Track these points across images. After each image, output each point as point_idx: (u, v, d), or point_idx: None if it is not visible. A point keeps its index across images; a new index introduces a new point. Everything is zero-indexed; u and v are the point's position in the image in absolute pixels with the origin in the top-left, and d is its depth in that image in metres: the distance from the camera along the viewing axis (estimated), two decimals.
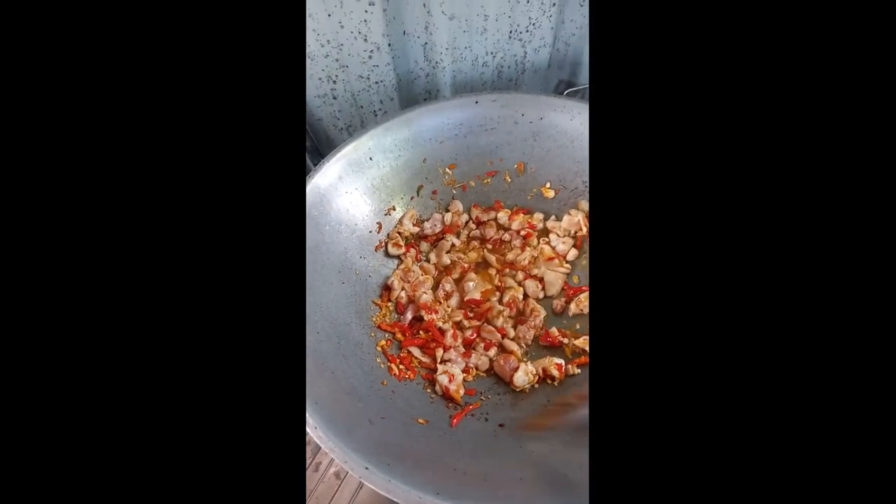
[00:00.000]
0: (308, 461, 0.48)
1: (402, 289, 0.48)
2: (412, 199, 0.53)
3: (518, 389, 0.43)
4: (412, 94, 0.58)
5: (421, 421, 0.40)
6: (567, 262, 0.50)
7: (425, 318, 0.46)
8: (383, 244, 0.51)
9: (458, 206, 0.54)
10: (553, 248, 0.50)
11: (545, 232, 0.52)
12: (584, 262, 0.49)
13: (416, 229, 0.52)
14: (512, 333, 0.46)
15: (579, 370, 0.44)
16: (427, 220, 0.53)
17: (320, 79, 0.52)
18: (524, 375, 0.43)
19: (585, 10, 0.54)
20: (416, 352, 0.44)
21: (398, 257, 0.51)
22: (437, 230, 0.52)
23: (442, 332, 0.46)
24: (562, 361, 0.44)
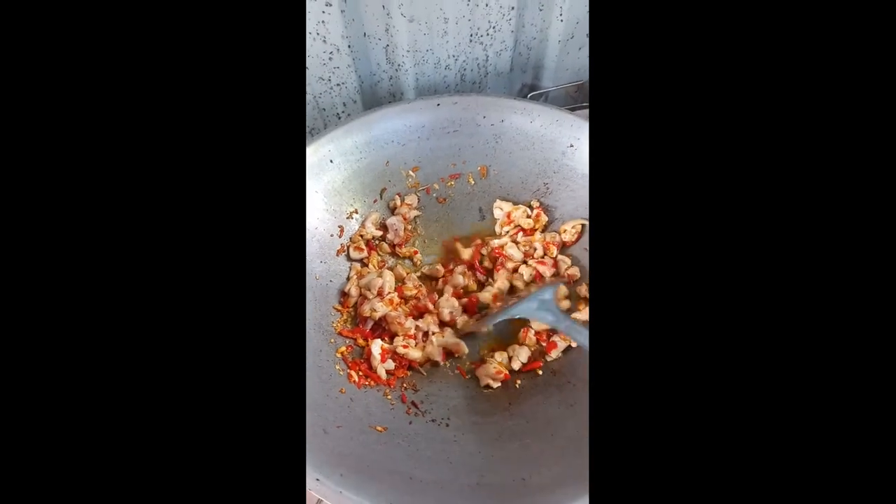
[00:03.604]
0: None
1: (360, 294, 0.47)
2: (375, 202, 0.53)
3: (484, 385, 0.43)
4: (376, 96, 0.58)
5: (379, 428, 0.39)
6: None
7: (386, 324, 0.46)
8: (345, 248, 0.50)
9: (414, 199, 0.53)
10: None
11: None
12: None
13: (379, 233, 0.52)
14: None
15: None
16: (386, 222, 0.52)
17: None
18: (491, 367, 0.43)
19: (545, 14, 0.54)
20: (376, 349, 0.43)
21: (360, 261, 0.50)
22: (401, 235, 0.51)
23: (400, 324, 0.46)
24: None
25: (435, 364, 0.45)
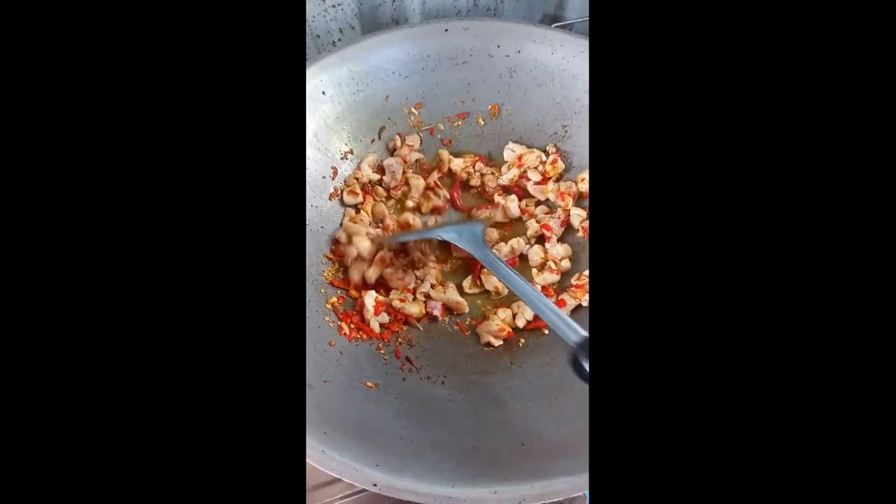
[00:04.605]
0: None
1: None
2: (372, 141, 0.48)
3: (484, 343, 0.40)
4: (377, 21, 0.51)
5: (370, 384, 0.36)
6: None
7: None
8: (339, 192, 0.46)
9: (416, 140, 0.48)
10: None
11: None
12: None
13: (377, 176, 0.47)
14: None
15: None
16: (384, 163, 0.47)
17: None
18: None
19: None
20: (369, 301, 0.40)
21: (354, 207, 0.46)
22: (398, 178, 0.46)
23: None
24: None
25: (433, 319, 0.42)
